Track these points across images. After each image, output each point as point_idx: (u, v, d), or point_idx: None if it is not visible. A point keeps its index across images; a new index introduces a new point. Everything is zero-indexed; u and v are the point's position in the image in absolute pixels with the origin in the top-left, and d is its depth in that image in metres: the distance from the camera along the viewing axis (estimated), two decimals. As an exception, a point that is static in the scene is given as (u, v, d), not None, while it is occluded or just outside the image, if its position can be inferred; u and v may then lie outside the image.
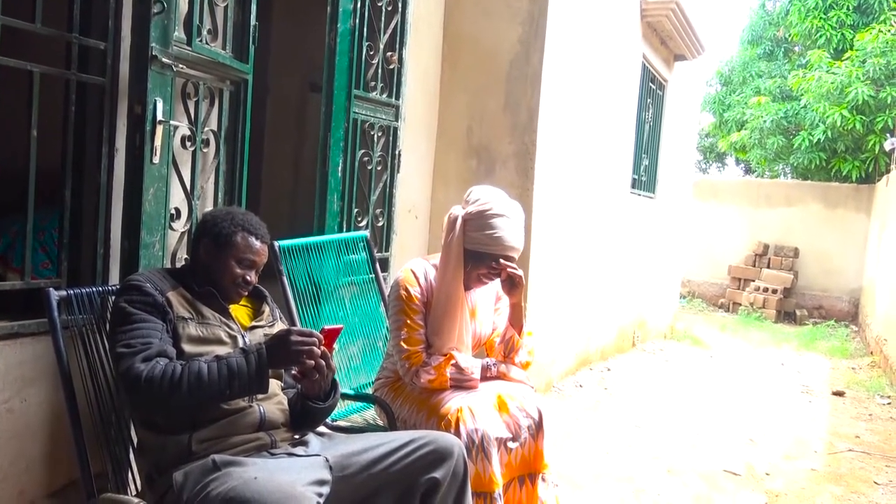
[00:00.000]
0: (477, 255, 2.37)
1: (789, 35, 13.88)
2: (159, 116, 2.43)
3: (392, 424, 2.40)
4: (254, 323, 2.13)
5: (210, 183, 2.90)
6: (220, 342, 1.99)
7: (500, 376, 2.49)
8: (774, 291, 11.35)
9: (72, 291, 2.02)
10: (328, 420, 2.58)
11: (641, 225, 6.83)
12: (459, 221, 2.38)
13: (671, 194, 7.87)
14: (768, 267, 11.79)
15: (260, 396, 2.00)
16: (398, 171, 4.12)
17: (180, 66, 2.52)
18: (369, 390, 2.63)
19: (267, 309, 2.20)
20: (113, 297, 2.02)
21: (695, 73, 8.43)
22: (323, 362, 1.91)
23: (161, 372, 1.78)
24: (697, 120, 9.94)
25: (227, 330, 2.03)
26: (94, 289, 2.08)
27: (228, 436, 1.89)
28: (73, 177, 2.51)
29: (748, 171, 17.67)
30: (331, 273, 2.92)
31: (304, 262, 2.77)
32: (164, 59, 2.42)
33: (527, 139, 4.32)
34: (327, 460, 1.85)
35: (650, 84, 6.83)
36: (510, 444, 2.30)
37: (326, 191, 3.61)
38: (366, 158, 3.86)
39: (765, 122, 12.74)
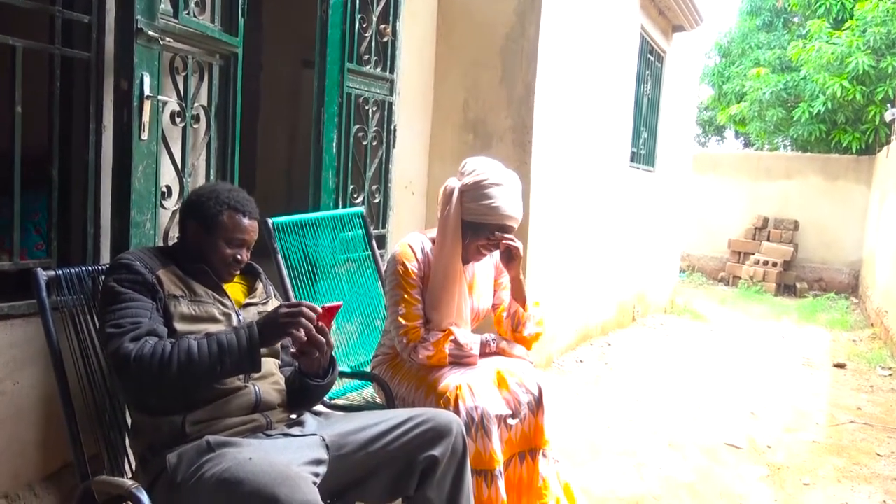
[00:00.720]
0: (475, 226, 2.32)
1: (788, 5, 13.72)
2: (147, 92, 2.37)
3: (390, 402, 2.37)
4: (248, 300, 2.09)
5: (202, 160, 2.85)
6: (213, 320, 1.95)
7: (500, 352, 2.46)
8: (774, 265, 11.32)
9: (61, 272, 1.97)
10: (326, 398, 2.55)
11: (641, 198, 6.78)
12: (456, 193, 2.34)
13: (670, 168, 7.80)
14: (768, 240, 11.75)
15: (255, 376, 1.97)
16: (394, 147, 4.06)
17: (167, 39, 2.45)
18: (367, 368, 2.60)
19: (260, 286, 2.16)
20: (103, 277, 1.97)
21: (693, 45, 8.33)
22: (321, 338, 1.88)
23: (151, 351, 1.74)
24: (696, 92, 9.84)
25: (221, 307, 1.99)
26: (84, 268, 2.03)
27: (223, 417, 1.86)
28: (62, 155, 2.46)
29: (748, 143, 17.57)
30: (326, 250, 2.87)
31: (298, 240, 2.73)
32: (151, 33, 2.36)
33: (524, 113, 4.26)
34: (324, 439, 1.82)
35: (648, 56, 6.74)
36: (510, 421, 2.27)
37: (321, 167, 3.55)
38: (361, 134, 3.80)
39: (764, 94, 12.63)
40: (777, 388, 4.96)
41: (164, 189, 2.61)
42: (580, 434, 3.62)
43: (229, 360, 1.78)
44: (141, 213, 2.42)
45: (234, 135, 2.91)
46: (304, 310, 1.81)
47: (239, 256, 2.01)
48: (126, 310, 1.82)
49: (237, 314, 2.02)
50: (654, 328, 6.87)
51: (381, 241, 4.06)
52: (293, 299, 2.62)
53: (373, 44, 3.81)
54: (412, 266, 2.37)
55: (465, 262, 2.41)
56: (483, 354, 2.42)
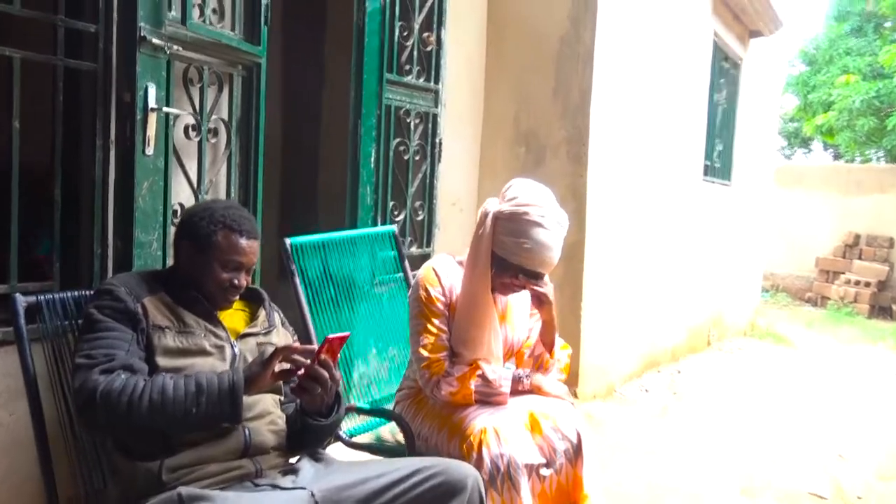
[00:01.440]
0: (502, 261, 2.06)
1: (879, 9, 12.87)
2: (151, 104, 2.22)
3: (411, 444, 2.12)
4: (246, 330, 1.88)
5: (222, 176, 2.69)
6: (202, 353, 1.75)
7: (534, 390, 2.17)
8: (867, 284, 10.52)
9: (42, 297, 1.82)
10: (345, 436, 2.32)
11: (716, 214, 6.33)
12: (490, 218, 2.06)
13: (749, 181, 7.29)
14: (860, 258, 10.94)
15: (248, 415, 1.75)
16: (439, 161, 3.83)
17: (176, 48, 2.30)
18: (392, 403, 2.35)
19: (262, 313, 1.94)
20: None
21: (774, 51, 7.80)
22: (323, 372, 1.66)
23: (120, 385, 1.55)
24: (779, 101, 9.25)
25: (213, 339, 1.79)
26: (70, 294, 1.87)
27: (205, 463, 1.64)
28: (69, 172, 2.32)
29: (837, 156, 16.59)
30: (352, 272, 2.65)
31: (320, 261, 2.51)
32: (156, 41, 2.21)
33: (579, 123, 3.96)
34: (313, 495, 1.57)
35: (723, 63, 6.31)
36: (543, 471, 1.98)
37: (358, 183, 3.36)
38: (402, 148, 3.59)
39: (854, 102, 11.85)
40: (870, 426, 4.43)
41: (178, 207, 2.45)
42: (640, 474, 3.27)
43: (206, 403, 1.58)
44: (146, 234, 2.26)
45: (256, 150, 2.74)
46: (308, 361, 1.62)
47: (236, 281, 1.80)
48: (101, 340, 1.64)
49: (232, 346, 1.81)
50: (730, 353, 6.37)
51: (426, 261, 3.83)
52: (311, 327, 2.40)
53: (415, 53, 3.60)
54: (436, 292, 2.12)
55: (494, 291, 2.14)
56: (515, 392, 2.13)
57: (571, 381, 3.96)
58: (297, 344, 1.71)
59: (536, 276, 2.08)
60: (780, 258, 11.50)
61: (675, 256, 5.43)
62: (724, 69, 6.39)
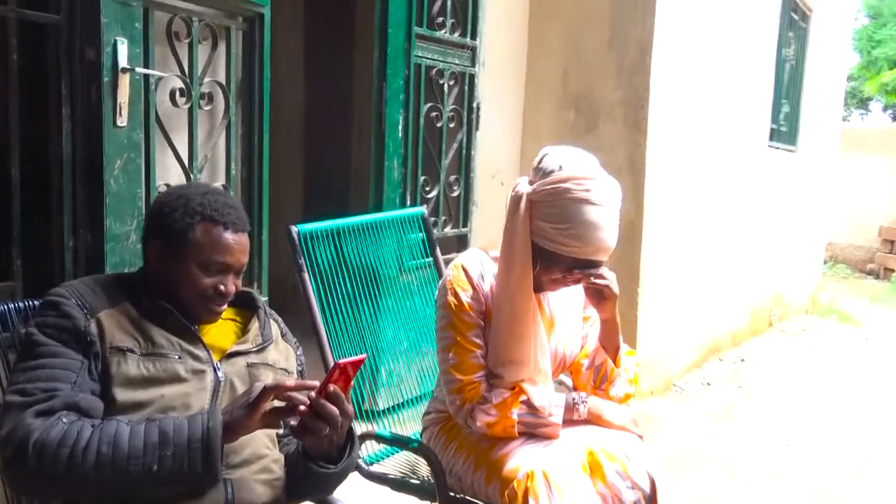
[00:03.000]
0: (547, 254, 1.61)
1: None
2: (122, 63, 1.80)
3: (440, 481, 1.71)
4: (233, 348, 1.47)
5: (220, 150, 2.28)
6: (175, 380, 1.35)
7: (592, 419, 1.73)
8: (936, 255, 9.80)
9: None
10: (363, 464, 1.93)
11: (780, 183, 5.76)
12: (524, 203, 1.61)
13: (815, 146, 6.67)
14: (927, 227, 10.20)
15: (232, 462, 1.36)
16: (477, 129, 3.37)
17: (154, -7, 1.87)
18: (419, 427, 1.95)
19: (255, 325, 1.54)
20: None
21: (844, 2, 7.09)
22: (332, 409, 1.25)
23: (59, 434, 1.17)
24: (847, 58, 8.50)
25: (191, 362, 1.39)
26: (9, 304, 1.48)
27: (172, 532, 1.26)
28: (34, 149, 1.94)
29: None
30: (374, 262, 2.23)
31: (334, 252, 2.10)
32: (125, -17, 1.78)
33: (637, 82, 3.45)
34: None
35: (792, 14, 5.67)
36: (608, 529, 1.56)
37: (383, 155, 2.93)
38: (434, 114, 3.14)
39: (925, 58, 10.96)
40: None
41: (164, 189, 2.05)
42: (706, 493, 2.83)
43: (173, 457, 1.19)
44: (121, 223, 1.87)
45: (261, 118, 2.32)
46: (288, 386, 1.22)
47: (222, 287, 1.39)
48: (40, 370, 1.26)
49: (216, 369, 1.41)
50: (795, 335, 5.85)
51: (463, 242, 3.41)
52: (322, 333, 1.99)
53: (449, 3, 3.13)
54: (467, 297, 1.68)
55: (538, 291, 1.70)
56: (569, 422, 1.70)
57: (626, 375, 3.52)
58: (292, 380, 1.30)
59: (593, 266, 1.63)
60: (840, 227, 10.79)
61: (738, 231, 4.91)
62: (794, 21, 5.75)
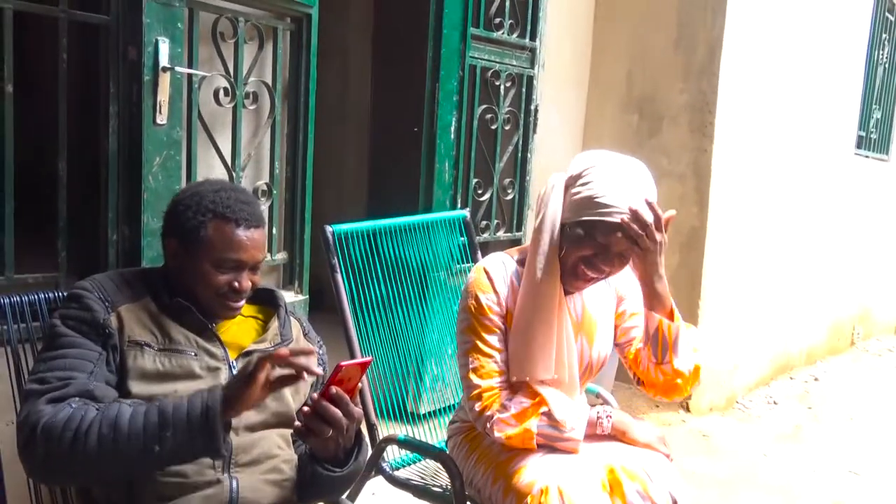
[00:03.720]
0: (578, 228, 1.53)
1: None
2: (163, 62, 1.84)
3: (458, 491, 1.67)
4: (250, 346, 1.47)
5: (264, 149, 2.31)
6: (190, 377, 1.36)
7: (617, 435, 1.65)
8: None
9: (6, 299, 1.49)
10: (387, 469, 1.91)
11: (868, 193, 5.42)
12: (559, 188, 1.57)
13: (911, 154, 6.26)
14: None
15: (240, 461, 1.36)
16: (534, 132, 3.31)
17: (198, -6, 1.90)
18: (445, 434, 1.91)
19: (275, 324, 1.53)
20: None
21: (950, 0, 6.62)
22: (334, 411, 1.23)
23: (66, 417, 1.19)
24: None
25: (207, 359, 1.40)
26: (40, 295, 1.53)
27: (175, 529, 1.27)
28: (82, 145, 2.01)
29: None
30: (412, 265, 2.21)
31: (370, 254, 2.09)
32: (167, -16, 1.82)
33: (705, 85, 3.30)
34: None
35: (887, 14, 5.33)
36: (625, 554, 1.48)
37: (435, 157, 2.91)
38: (489, 116, 3.10)
39: None
40: None
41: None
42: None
43: (173, 437, 1.19)
44: (158, 219, 1.90)
45: (306, 117, 2.34)
46: (284, 353, 1.20)
47: (237, 284, 1.39)
48: (59, 360, 1.29)
49: (231, 367, 1.42)
50: (879, 355, 5.50)
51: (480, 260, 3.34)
52: (353, 334, 1.98)
53: (507, 3, 3.08)
54: (488, 300, 1.63)
55: (567, 292, 1.63)
56: (591, 437, 1.63)
57: (683, 390, 3.38)
58: (286, 349, 1.28)
59: (627, 231, 1.51)
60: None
61: (816, 242, 4.65)
62: (888, 22, 5.41)
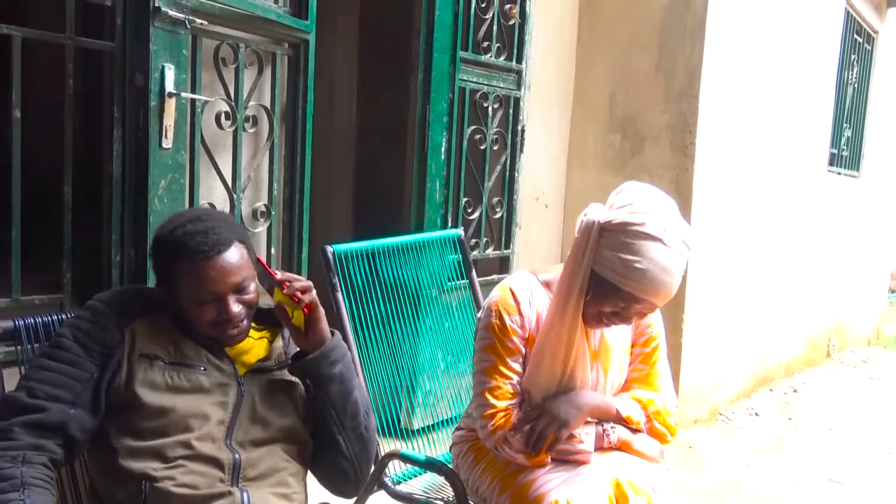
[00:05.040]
0: (603, 284, 1.57)
1: None
2: (169, 88, 1.89)
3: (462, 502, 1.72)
4: (258, 364, 1.51)
5: (263, 171, 2.35)
6: (199, 390, 1.40)
7: (621, 447, 1.71)
8: None
9: (21, 321, 1.51)
10: (390, 483, 1.95)
11: (841, 209, 5.58)
12: (595, 230, 1.58)
13: (881, 172, 6.45)
14: None
15: (249, 475, 1.40)
16: (521, 151, 3.40)
17: (201, 22, 1.96)
18: (448, 444, 1.96)
19: (280, 343, 1.58)
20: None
21: (914, 23, 6.86)
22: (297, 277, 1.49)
23: None
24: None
25: (217, 375, 1.43)
26: (54, 316, 1.56)
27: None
28: (87, 169, 2.05)
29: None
30: (409, 283, 2.27)
31: (370, 273, 2.14)
32: (173, 13, 1.88)
33: (685, 107, 3.41)
34: None
35: (855, 36, 5.52)
36: (629, 563, 1.53)
37: (426, 177, 2.98)
38: (478, 136, 3.17)
39: None
40: None
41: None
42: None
43: None
44: (163, 241, 1.94)
45: (304, 140, 2.39)
46: None
47: (225, 314, 1.38)
48: (52, 373, 1.32)
49: (240, 383, 1.45)
50: (854, 366, 5.64)
51: (505, 265, 3.42)
52: (354, 352, 2.03)
53: (495, 27, 3.17)
54: (513, 322, 1.67)
55: (586, 323, 1.67)
56: (598, 448, 1.69)
57: (668, 403, 3.45)
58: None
59: (646, 309, 1.58)
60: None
61: (792, 257, 4.78)
62: (857, 44, 5.60)
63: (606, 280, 1.54)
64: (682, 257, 1.53)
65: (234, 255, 1.38)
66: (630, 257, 1.50)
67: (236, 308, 1.38)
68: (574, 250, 1.59)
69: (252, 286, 1.42)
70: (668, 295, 1.54)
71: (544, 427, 1.61)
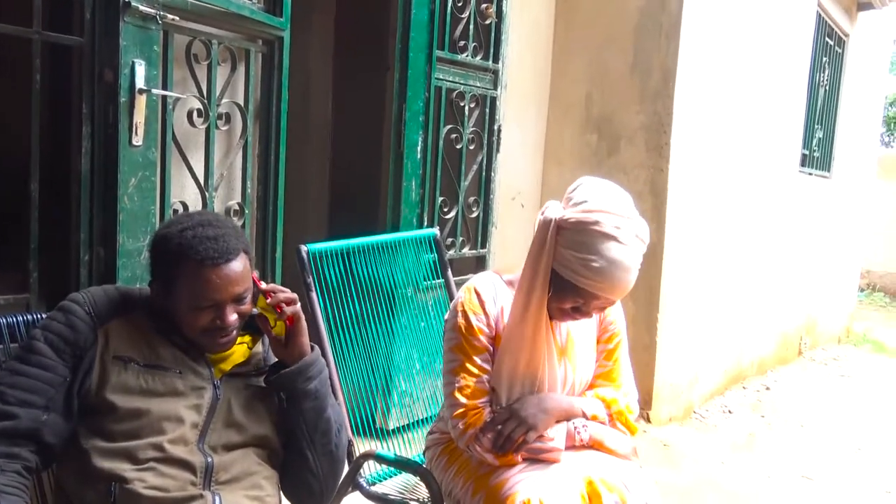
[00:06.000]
0: (562, 282, 1.59)
1: None
2: (139, 84, 1.85)
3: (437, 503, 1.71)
4: (234, 369, 1.49)
5: (236, 169, 2.32)
6: (173, 394, 1.38)
7: (593, 445, 1.71)
8: (979, 286, 9.51)
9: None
10: (364, 484, 1.93)
11: (812, 209, 5.66)
12: (552, 228, 1.60)
13: (850, 172, 6.55)
14: (971, 256, 9.91)
15: (221, 478, 1.37)
16: (497, 151, 3.39)
17: (172, 17, 1.92)
18: (422, 447, 1.95)
19: (261, 349, 1.56)
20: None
21: (883, 27, 6.97)
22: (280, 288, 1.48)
23: None
24: (885, 83, 8.35)
25: (192, 378, 1.41)
26: (18, 317, 1.52)
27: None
28: (55, 166, 2.00)
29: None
30: (384, 283, 2.25)
31: (345, 273, 2.12)
32: (144, 7, 1.84)
33: (660, 107, 3.44)
34: None
35: (826, 39, 5.60)
36: (603, 561, 1.53)
37: (402, 176, 2.96)
38: (454, 136, 3.16)
39: (970, 83, 10.71)
40: None
41: (179, 208, 2.10)
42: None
43: None
44: (134, 240, 1.91)
45: (278, 138, 2.36)
46: None
47: (221, 321, 1.37)
48: (23, 377, 1.30)
49: (216, 387, 1.43)
50: (825, 364, 5.72)
51: (482, 264, 3.41)
52: (328, 352, 2.01)
53: (471, 27, 3.16)
54: (478, 321, 1.68)
55: (550, 318, 1.69)
56: (569, 447, 1.69)
57: (645, 402, 3.48)
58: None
59: (604, 305, 1.63)
60: (877, 254, 10.53)
61: (765, 257, 4.83)
62: (828, 46, 5.68)
63: (564, 278, 1.57)
64: (638, 252, 1.56)
65: (239, 265, 1.38)
66: (586, 256, 1.52)
67: (233, 317, 1.38)
68: (533, 248, 1.61)
69: (249, 297, 1.43)
70: (625, 290, 1.57)
71: (512, 430, 1.62)
